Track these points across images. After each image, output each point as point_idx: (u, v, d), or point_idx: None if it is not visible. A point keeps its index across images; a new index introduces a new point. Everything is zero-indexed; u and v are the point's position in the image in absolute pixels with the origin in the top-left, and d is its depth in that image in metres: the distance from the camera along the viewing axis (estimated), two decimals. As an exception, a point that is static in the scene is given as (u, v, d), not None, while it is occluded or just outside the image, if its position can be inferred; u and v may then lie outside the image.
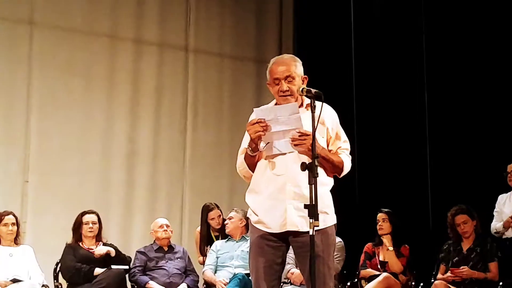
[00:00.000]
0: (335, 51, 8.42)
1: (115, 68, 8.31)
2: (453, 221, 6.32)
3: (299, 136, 3.50)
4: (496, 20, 7.16)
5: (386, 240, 6.59)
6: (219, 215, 7.06)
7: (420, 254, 6.73)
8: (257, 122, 3.53)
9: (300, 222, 3.57)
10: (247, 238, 6.62)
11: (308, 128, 3.49)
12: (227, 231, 6.77)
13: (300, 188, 3.57)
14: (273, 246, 3.67)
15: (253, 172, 3.73)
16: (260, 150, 3.64)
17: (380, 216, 6.69)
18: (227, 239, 6.77)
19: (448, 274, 6.12)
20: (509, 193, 6.62)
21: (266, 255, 3.66)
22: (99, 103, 8.18)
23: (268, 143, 3.61)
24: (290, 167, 3.60)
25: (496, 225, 6.56)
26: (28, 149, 7.72)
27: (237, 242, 6.69)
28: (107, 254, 6.45)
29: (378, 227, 6.66)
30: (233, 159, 3.88)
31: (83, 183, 7.94)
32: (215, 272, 6.62)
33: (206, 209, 7.11)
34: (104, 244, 6.64)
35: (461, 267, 6.07)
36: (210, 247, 6.87)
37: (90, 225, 6.56)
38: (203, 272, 6.72)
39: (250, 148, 3.63)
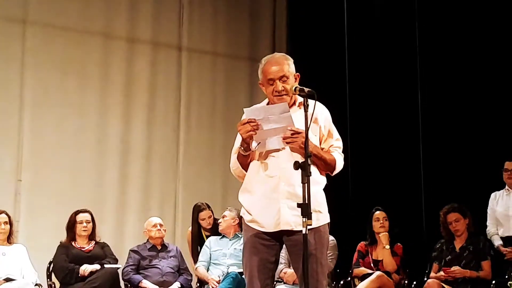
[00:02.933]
0: (329, 49, 8.43)
1: (109, 67, 8.29)
2: (445, 220, 6.34)
3: (291, 134, 3.51)
4: (489, 20, 7.17)
5: (384, 238, 6.58)
6: (210, 216, 7.05)
7: (413, 253, 6.74)
8: (247, 122, 3.54)
9: (293, 221, 3.57)
10: (240, 236, 6.63)
11: (300, 126, 3.51)
12: (220, 229, 6.77)
13: (293, 187, 3.57)
14: (267, 244, 3.68)
15: (246, 171, 3.74)
16: (252, 149, 3.65)
17: (381, 214, 6.67)
18: (221, 237, 6.77)
19: (441, 273, 6.13)
20: (501, 190, 6.64)
21: (260, 254, 3.67)
22: (93, 102, 8.16)
23: (260, 142, 3.61)
24: (283, 167, 3.61)
25: (493, 237, 6.53)
26: (21, 148, 7.70)
27: (230, 240, 6.70)
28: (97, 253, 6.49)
29: (379, 225, 6.63)
30: (226, 157, 3.88)
31: (77, 181, 7.92)
32: (208, 270, 6.63)
33: (197, 209, 7.11)
34: (97, 243, 6.64)
35: (453, 267, 6.08)
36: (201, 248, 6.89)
37: (84, 224, 6.56)
38: (196, 268, 6.73)
39: (242, 148, 3.64)
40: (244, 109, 3.65)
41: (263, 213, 3.65)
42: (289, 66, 3.72)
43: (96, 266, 6.35)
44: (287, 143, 3.55)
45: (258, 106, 3.79)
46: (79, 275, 6.30)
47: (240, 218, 6.65)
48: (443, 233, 6.37)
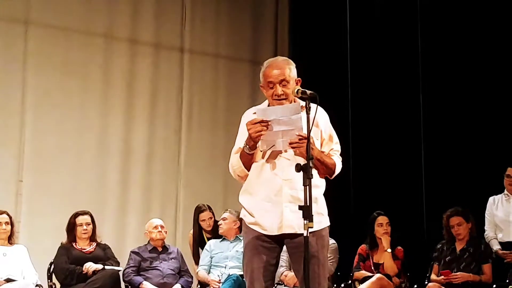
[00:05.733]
0: (331, 52, 8.43)
1: (111, 68, 8.30)
2: (448, 223, 6.34)
3: (299, 139, 3.50)
4: (490, 22, 7.18)
5: (385, 242, 6.56)
6: (210, 217, 7.05)
7: (414, 256, 6.74)
8: (258, 122, 3.52)
9: (296, 224, 3.57)
10: (241, 238, 6.63)
11: (303, 129, 3.50)
12: (220, 231, 6.76)
13: (296, 191, 3.57)
14: (268, 247, 3.68)
15: (248, 171, 3.72)
16: (261, 150, 3.64)
17: (384, 219, 6.64)
18: (221, 239, 6.77)
19: (442, 277, 6.13)
20: (500, 195, 6.63)
21: (261, 256, 3.67)
22: (94, 103, 8.17)
23: (273, 146, 3.60)
24: (286, 170, 3.61)
25: (492, 242, 6.52)
26: (22, 149, 7.70)
27: (231, 242, 6.70)
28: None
29: (382, 230, 6.59)
30: (227, 159, 3.87)
31: (78, 182, 7.92)
32: (209, 272, 6.62)
33: (197, 210, 7.12)
34: (98, 244, 6.64)
35: (457, 273, 6.06)
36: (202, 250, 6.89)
37: (84, 227, 6.55)
38: (197, 272, 6.72)
39: (248, 146, 3.62)
40: (256, 109, 3.64)
41: (266, 216, 3.65)
42: (290, 70, 3.69)
43: (99, 266, 6.35)
44: (293, 147, 3.54)
45: (265, 105, 3.78)
46: (83, 272, 6.30)
47: (241, 220, 6.67)
48: (445, 236, 6.38)
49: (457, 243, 6.30)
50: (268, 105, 3.77)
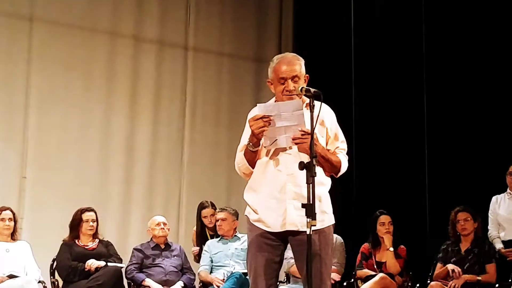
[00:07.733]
0: (335, 50, 8.42)
1: (115, 65, 8.30)
2: (455, 218, 6.32)
3: (301, 134, 3.51)
4: (495, 22, 7.16)
5: (387, 240, 6.55)
6: (212, 214, 7.02)
7: (417, 255, 6.73)
8: (260, 118, 3.52)
9: (300, 222, 3.56)
10: (240, 236, 6.62)
11: (307, 127, 3.50)
12: (221, 232, 6.67)
13: (300, 188, 3.56)
14: (272, 244, 3.67)
15: (253, 168, 3.72)
16: (264, 146, 3.64)
17: (386, 218, 6.63)
18: (218, 239, 6.73)
19: (449, 266, 6.09)
20: (503, 194, 6.62)
21: (265, 254, 3.67)
22: (98, 100, 8.17)
23: (275, 140, 3.59)
24: (290, 167, 3.61)
25: (495, 241, 6.52)
26: (26, 145, 7.71)
27: (229, 241, 6.66)
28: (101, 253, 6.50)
29: (384, 229, 6.58)
30: (231, 157, 3.87)
31: (81, 179, 7.92)
32: (211, 272, 6.59)
33: (200, 207, 7.11)
34: (101, 241, 6.64)
35: (451, 283, 6.06)
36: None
37: (91, 223, 6.55)
38: (199, 272, 6.69)
39: (251, 144, 3.62)
40: (258, 105, 3.63)
41: (270, 213, 3.65)
42: (300, 66, 3.71)
43: (102, 263, 6.35)
44: (296, 143, 3.54)
45: (271, 102, 3.78)
46: (85, 269, 6.31)
47: (237, 216, 6.63)
48: (451, 233, 6.36)
49: (462, 244, 6.28)
50: (275, 102, 3.77)
